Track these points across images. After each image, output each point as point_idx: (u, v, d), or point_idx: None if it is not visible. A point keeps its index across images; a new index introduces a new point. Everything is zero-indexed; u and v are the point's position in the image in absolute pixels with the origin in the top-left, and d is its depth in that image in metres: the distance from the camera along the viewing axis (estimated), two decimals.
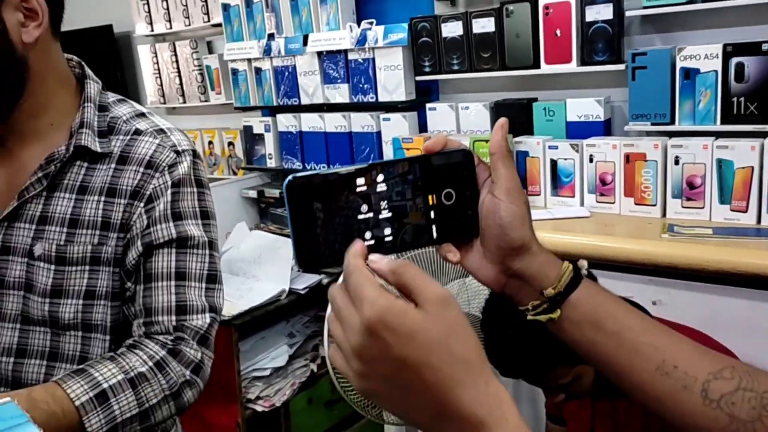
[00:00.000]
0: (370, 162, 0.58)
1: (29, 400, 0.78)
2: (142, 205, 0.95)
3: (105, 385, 0.84)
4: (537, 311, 0.60)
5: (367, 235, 0.57)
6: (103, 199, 0.95)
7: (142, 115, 1.02)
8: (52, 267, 0.94)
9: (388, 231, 0.58)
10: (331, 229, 0.56)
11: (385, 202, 0.58)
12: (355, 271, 0.50)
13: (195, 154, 1.01)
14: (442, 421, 0.49)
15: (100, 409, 0.83)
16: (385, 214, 0.58)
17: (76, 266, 0.94)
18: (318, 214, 0.56)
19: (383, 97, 2.29)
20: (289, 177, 0.55)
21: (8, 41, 0.89)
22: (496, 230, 0.59)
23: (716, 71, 1.69)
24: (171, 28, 2.99)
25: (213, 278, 0.99)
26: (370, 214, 0.57)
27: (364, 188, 0.57)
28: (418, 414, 0.50)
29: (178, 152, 0.98)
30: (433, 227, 0.59)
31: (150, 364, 0.89)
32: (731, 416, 0.55)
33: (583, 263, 0.62)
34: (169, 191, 0.96)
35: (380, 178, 0.57)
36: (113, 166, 0.96)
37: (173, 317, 0.94)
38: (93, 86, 1.03)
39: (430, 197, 0.59)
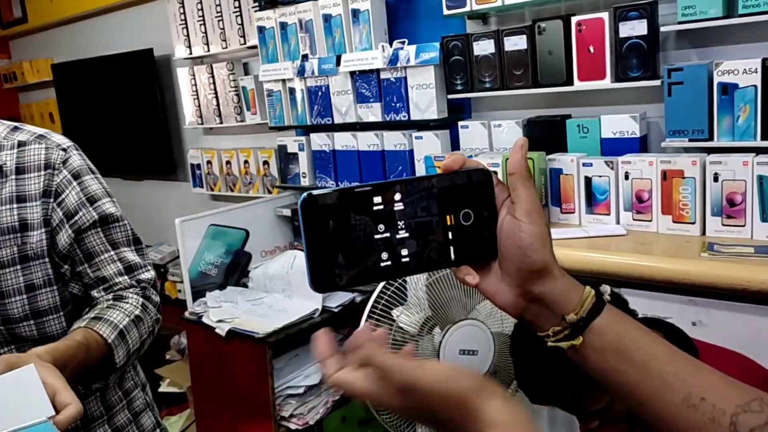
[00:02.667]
0: (387, 180, 0.57)
1: (65, 341, 0.97)
2: (52, 200, 1.10)
3: (121, 326, 1.06)
4: (558, 337, 0.58)
5: (384, 255, 0.56)
6: (15, 206, 1.08)
7: (16, 128, 1.14)
8: None
9: (404, 252, 0.56)
10: (346, 249, 0.55)
11: (402, 221, 0.56)
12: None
13: (76, 147, 1.17)
14: None
15: (122, 343, 1.05)
16: (402, 234, 0.56)
17: (9, 267, 1.07)
18: (333, 232, 0.54)
19: (415, 115, 2.30)
20: (304, 194, 0.54)
21: None
22: (516, 252, 0.57)
23: (755, 86, 1.65)
24: (209, 50, 3.07)
25: (137, 240, 1.19)
26: (387, 234, 0.56)
27: (381, 207, 0.55)
28: None
29: (64, 149, 1.14)
30: (451, 248, 0.58)
31: (140, 308, 1.11)
32: None
33: (606, 288, 0.60)
34: (74, 182, 1.12)
35: (397, 196, 0.56)
36: (14, 177, 1.09)
37: (126, 277, 1.14)
38: None
39: (448, 217, 0.57)
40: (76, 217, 1.11)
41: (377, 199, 0.55)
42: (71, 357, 0.95)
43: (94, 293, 1.13)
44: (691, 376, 0.57)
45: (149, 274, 1.17)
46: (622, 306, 1.10)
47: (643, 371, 0.57)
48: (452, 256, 0.58)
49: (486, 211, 0.58)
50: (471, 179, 0.58)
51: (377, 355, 0.56)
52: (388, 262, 0.56)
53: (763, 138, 1.66)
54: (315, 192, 0.54)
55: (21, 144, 1.11)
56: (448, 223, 0.58)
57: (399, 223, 0.56)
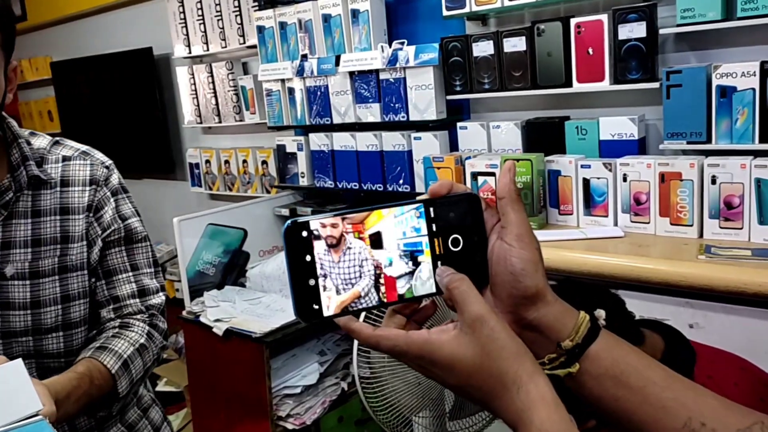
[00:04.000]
0: (372, 207, 0.55)
1: (67, 373, 0.99)
2: (92, 214, 1.14)
3: (125, 356, 1.08)
4: (554, 365, 0.57)
5: (381, 278, 0.54)
6: (58, 218, 1.11)
7: (57, 143, 1.19)
8: (27, 282, 1.08)
9: (395, 280, 0.55)
10: (332, 279, 0.53)
11: (389, 248, 0.55)
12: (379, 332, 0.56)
13: (114, 165, 1.22)
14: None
15: (126, 374, 1.07)
16: (389, 261, 0.55)
17: (48, 277, 1.10)
18: (318, 261, 0.53)
19: (414, 116, 2.30)
20: (288, 222, 0.53)
21: None
22: (508, 277, 0.56)
23: (754, 89, 1.66)
24: (208, 50, 3.07)
25: (156, 262, 1.22)
26: (373, 261, 0.55)
27: (367, 233, 0.54)
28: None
29: (107, 167, 1.19)
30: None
31: (145, 336, 1.13)
32: None
33: (601, 313, 0.59)
34: (111, 199, 1.17)
35: (384, 222, 0.55)
36: (59, 189, 1.13)
37: (138, 300, 1.16)
38: (13, 123, 1.14)
39: (436, 243, 0.56)
40: (108, 232, 1.15)
41: (362, 227, 0.54)
42: (74, 387, 0.97)
43: (103, 312, 1.15)
44: (690, 401, 0.56)
45: (159, 300, 1.20)
46: (619, 307, 1.09)
47: (642, 397, 0.56)
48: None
49: (476, 236, 0.57)
50: (459, 204, 0.57)
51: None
52: (376, 291, 0.55)
53: (761, 141, 1.67)
54: (299, 219, 0.53)
55: (66, 158, 1.15)
56: (437, 250, 0.56)
57: (386, 249, 0.55)
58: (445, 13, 2.16)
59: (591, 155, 1.96)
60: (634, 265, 1.64)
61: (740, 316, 1.50)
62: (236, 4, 2.89)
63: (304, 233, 0.53)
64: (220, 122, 3.14)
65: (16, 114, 4.67)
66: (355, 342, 1.67)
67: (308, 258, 0.53)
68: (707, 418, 0.55)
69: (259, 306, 2.36)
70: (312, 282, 0.53)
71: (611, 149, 1.93)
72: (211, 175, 3.29)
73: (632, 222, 1.86)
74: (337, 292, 0.54)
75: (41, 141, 1.17)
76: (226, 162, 3.20)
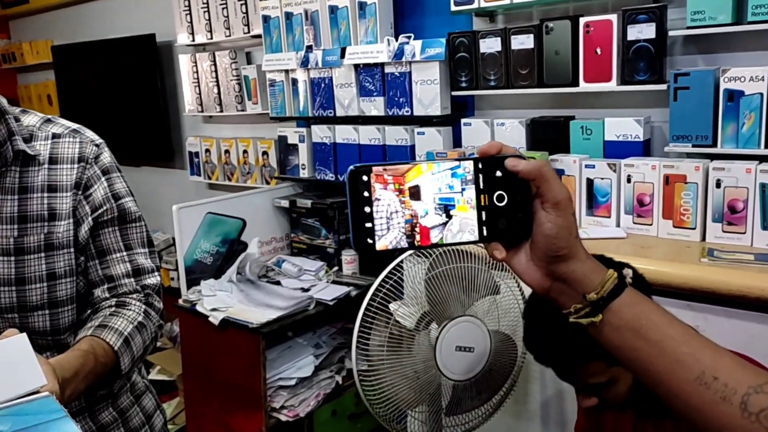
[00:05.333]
0: (425, 160, 0.63)
1: (72, 351, 0.99)
2: (80, 192, 1.12)
3: (125, 333, 1.08)
4: (579, 314, 0.62)
5: (417, 228, 0.61)
6: (46, 195, 1.10)
7: (49, 120, 1.16)
8: (12, 258, 1.07)
9: (438, 224, 0.62)
10: (383, 218, 0.61)
11: (437, 197, 0.62)
12: None
13: (106, 145, 1.20)
14: None
15: (127, 350, 1.07)
16: (437, 209, 0.62)
17: (34, 254, 1.08)
18: (372, 202, 0.60)
19: (418, 111, 2.29)
20: (351, 166, 0.60)
21: None
22: (543, 239, 0.62)
23: (761, 94, 1.66)
24: (212, 38, 3.05)
25: (151, 242, 1.21)
26: (421, 208, 0.61)
27: (417, 183, 0.61)
28: None
29: (97, 145, 1.17)
30: (483, 226, 0.63)
31: (142, 314, 1.13)
32: None
33: (628, 272, 0.65)
34: (102, 178, 1.15)
35: (433, 174, 0.61)
36: (47, 166, 1.11)
37: (132, 280, 1.15)
38: (2, 99, 1.11)
39: (482, 197, 0.62)
40: (100, 211, 1.13)
41: (414, 176, 0.61)
42: (81, 365, 0.97)
43: (97, 292, 1.14)
44: (705, 357, 0.59)
45: (154, 280, 1.19)
46: (641, 282, 1.11)
47: (659, 349, 0.60)
48: (484, 232, 0.63)
49: (519, 194, 0.62)
50: (523, 159, 0.62)
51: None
52: (422, 235, 0.61)
53: (767, 146, 1.66)
54: (359, 165, 0.61)
55: (55, 136, 1.13)
56: (483, 203, 0.62)
57: (435, 198, 0.61)
58: (453, 8, 2.15)
59: (595, 155, 1.96)
60: (635, 267, 1.63)
61: (741, 320, 1.50)
62: None
63: (362, 178, 0.60)
64: (221, 111, 3.12)
65: (14, 97, 4.64)
66: (354, 334, 1.66)
67: (364, 199, 0.60)
68: (720, 373, 0.58)
69: (256, 293, 2.35)
70: (366, 220, 0.61)
71: (616, 150, 1.93)
72: (211, 165, 3.27)
73: (635, 223, 1.85)
74: (387, 231, 0.61)
75: (32, 118, 1.15)
76: (226, 152, 3.18)
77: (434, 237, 0.62)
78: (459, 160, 0.62)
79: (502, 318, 1.77)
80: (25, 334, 0.81)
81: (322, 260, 2.61)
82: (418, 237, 0.61)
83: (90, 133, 1.19)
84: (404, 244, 0.62)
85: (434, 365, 1.62)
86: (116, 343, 1.05)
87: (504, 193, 0.62)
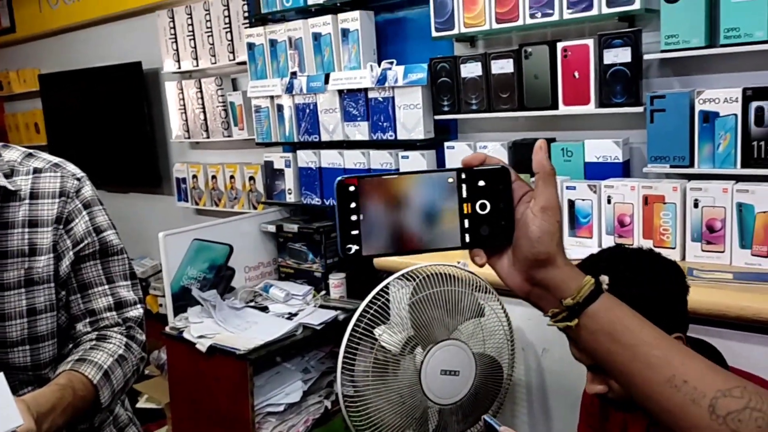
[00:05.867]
0: (409, 171, 0.66)
1: (49, 386, 0.99)
2: (62, 227, 1.12)
3: (105, 367, 1.07)
4: (557, 319, 0.65)
5: (402, 235, 0.64)
6: (27, 230, 1.10)
7: (30, 155, 1.17)
8: None
9: (422, 232, 0.64)
10: (369, 227, 0.64)
11: (422, 206, 0.64)
12: None
13: (87, 178, 1.21)
14: None
15: (107, 384, 1.07)
16: (421, 217, 0.64)
17: (14, 290, 1.08)
18: (360, 211, 0.63)
19: (402, 135, 2.31)
20: (339, 177, 0.64)
21: None
22: (526, 242, 0.64)
23: (736, 115, 1.69)
24: (197, 65, 3.08)
25: (133, 275, 1.21)
26: (406, 216, 0.64)
27: (402, 192, 0.64)
28: None
29: (78, 179, 1.17)
30: (466, 233, 0.65)
31: (123, 347, 1.13)
32: None
33: (605, 278, 0.66)
34: (84, 212, 1.15)
35: (418, 184, 0.64)
36: (27, 201, 1.11)
37: (115, 313, 1.15)
38: None
39: (465, 206, 0.65)
40: (81, 245, 1.13)
41: (399, 185, 0.64)
42: (58, 399, 0.97)
43: (79, 326, 1.14)
44: (676, 361, 0.61)
45: (137, 312, 1.19)
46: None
47: (632, 353, 0.62)
48: (466, 239, 0.65)
49: (502, 203, 0.65)
50: (490, 174, 0.65)
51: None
52: (405, 241, 0.64)
53: (743, 166, 1.70)
54: (346, 176, 0.64)
55: (36, 171, 1.14)
56: (465, 211, 0.65)
57: (418, 207, 0.64)
58: (434, 34, 2.18)
59: (576, 177, 1.99)
60: None
61: (721, 339, 1.51)
62: (227, 21, 2.90)
63: (349, 188, 0.63)
64: (208, 137, 3.14)
65: (1, 126, 4.64)
66: (339, 360, 1.66)
67: (351, 208, 0.63)
68: (690, 377, 0.60)
69: (243, 320, 2.35)
70: (352, 228, 0.63)
71: (596, 171, 1.95)
72: (198, 190, 3.28)
73: (616, 243, 1.87)
74: (372, 239, 0.64)
75: (13, 153, 1.15)
76: (213, 177, 3.19)
77: (418, 243, 0.64)
78: (443, 171, 0.65)
79: (487, 340, 1.78)
80: (1, 374, 0.81)
81: (309, 284, 2.61)
82: (402, 244, 0.64)
83: (71, 167, 1.19)
84: (389, 250, 0.64)
85: (419, 390, 1.62)
86: (95, 376, 1.04)
87: (486, 202, 0.65)
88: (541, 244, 0.62)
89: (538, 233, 0.62)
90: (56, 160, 1.19)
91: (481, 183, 0.65)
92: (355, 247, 0.63)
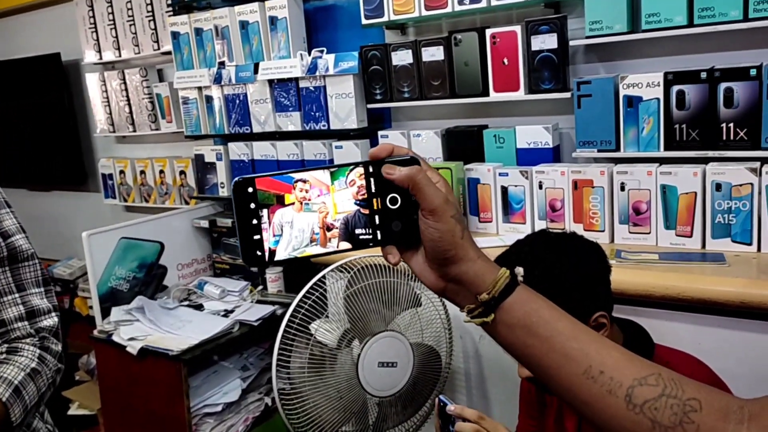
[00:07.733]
0: (314, 167, 0.61)
1: None
2: None
3: (15, 382, 1.03)
4: (473, 314, 0.63)
5: (310, 235, 0.60)
6: None
7: None
8: None
9: (331, 232, 0.61)
10: (275, 228, 0.60)
11: (329, 203, 0.61)
12: None
13: None
14: None
15: (18, 400, 1.03)
16: (329, 215, 0.61)
17: None
18: (261, 213, 0.59)
19: (335, 125, 2.27)
20: (236, 178, 0.59)
21: None
22: (428, 243, 0.62)
23: (658, 99, 1.73)
24: (120, 56, 2.95)
25: (47, 282, 1.15)
26: (313, 215, 0.60)
27: (307, 190, 0.60)
28: None
29: None
30: (378, 230, 0.62)
31: (36, 360, 1.07)
32: (653, 421, 0.57)
33: (519, 270, 0.65)
34: None
35: (324, 180, 0.60)
36: None
37: (27, 323, 1.10)
38: None
39: (375, 201, 0.62)
40: None
41: (304, 184, 0.60)
42: None
43: None
44: (592, 351, 0.61)
45: (51, 321, 1.12)
46: None
47: (548, 345, 0.61)
48: (378, 236, 0.62)
49: (413, 196, 0.61)
50: (399, 166, 0.62)
51: None
52: (314, 243, 0.60)
53: (666, 149, 1.74)
54: (244, 176, 0.59)
55: None
56: (375, 206, 0.62)
57: (325, 204, 0.61)
58: (364, 21, 2.15)
59: (509, 163, 2.00)
60: None
61: (648, 318, 1.55)
62: (149, 9, 2.78)
63: (249, 189, 0.59)
64: (134, 131, 3.01)
65: None
66: (274, 356, 1.63)
67: (252, 211, 0.59)
68: (607, 367, 0.60)
69: (176, 318, 2.27)
70: (255, 232, 0.59)
71: (528, 157, 1.97)
72: (126, 186, 3.15)
73: (548, 228, 1.90)
74: (277, 241, 0.60)
75: None
76: (142, 172, 3.07)
77: (328, 245, 0.61)
78: (350, 164, 0.61)
79: (425, 329, 1.77)
80: None
81: (245, 280, 2.55)
82: (310, 246, 0.60)
83: None
84: (297, 254, 0.60)
85: (357, 383, 1.61)
86: (4, 393, 0.99)
87: (397, 196, 0.61)
88: (443, 243, 0.61)
89: (437, 234, 0.60)
90: None
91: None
92: (258, 253, 0.59)
